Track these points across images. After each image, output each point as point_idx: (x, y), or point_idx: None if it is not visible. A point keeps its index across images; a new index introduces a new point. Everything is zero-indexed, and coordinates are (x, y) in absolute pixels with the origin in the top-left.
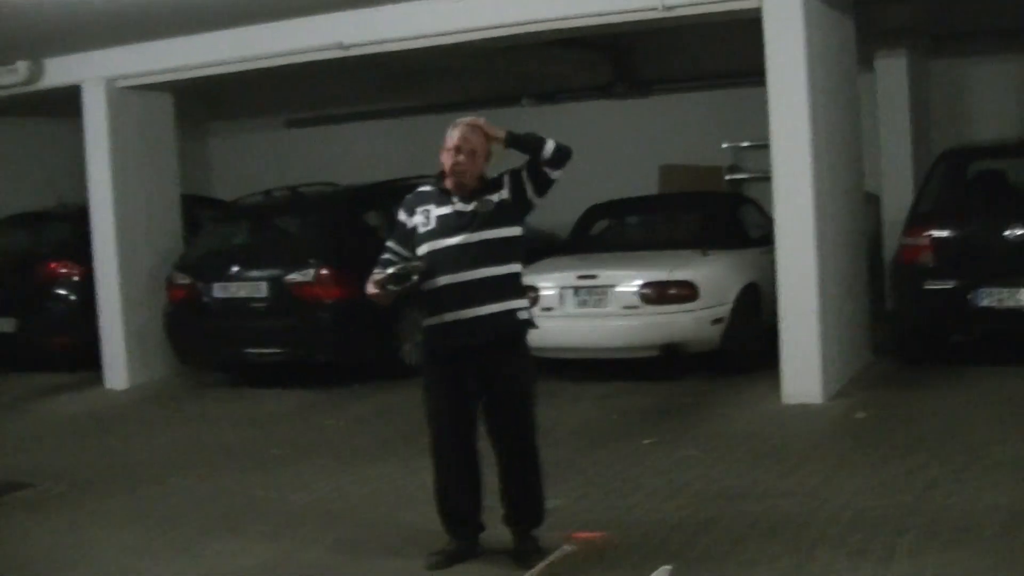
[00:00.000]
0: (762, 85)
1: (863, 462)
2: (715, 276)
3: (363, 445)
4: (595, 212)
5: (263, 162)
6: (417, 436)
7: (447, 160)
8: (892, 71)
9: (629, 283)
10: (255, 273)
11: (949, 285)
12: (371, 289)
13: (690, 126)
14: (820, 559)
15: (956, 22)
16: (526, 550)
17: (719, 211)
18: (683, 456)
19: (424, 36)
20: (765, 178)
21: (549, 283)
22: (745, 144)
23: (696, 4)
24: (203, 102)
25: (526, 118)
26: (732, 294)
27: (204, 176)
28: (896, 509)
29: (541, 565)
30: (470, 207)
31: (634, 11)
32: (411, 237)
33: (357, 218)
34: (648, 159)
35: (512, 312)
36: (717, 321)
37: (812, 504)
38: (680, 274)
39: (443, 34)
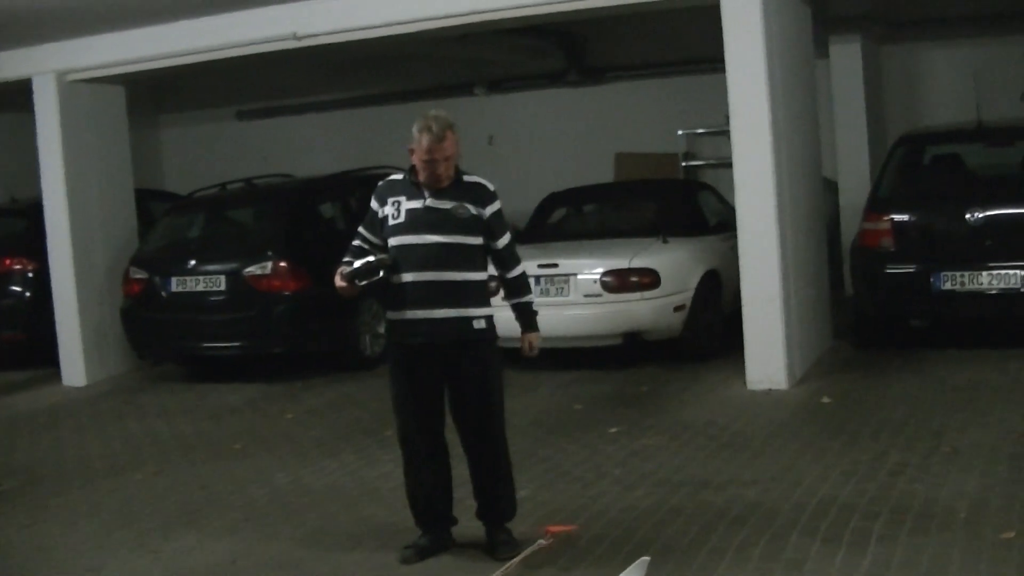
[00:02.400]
0: (715, 72)
1: (829, 448)
2: (676, 263)
3: (322, 437)
4: (553, 200)
5: (215, 154)
6: (377, 427)
7: (420, 164)
8: (847, 57)
9: (590, 271)
10: (212, 267)
11: (910, 269)
12: (339, 282)
13: (645, 114)
14: (791, 546)
15: (908, 9)
16: (501, 542)
17: (678, 198)
18: (647, 444)
19: (378, 26)
20: (721, 165)
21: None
22: (700, 131)
23: None
24: (154, 94)
25: (479, 107)
26: (693, 281)
27: (156, 169)
28: (864, 495)
29: (516, 559)
30: (444, 205)
31: None
32: (381, 226)
33: (313, 210)
34: (603, 147)
35: (468, 320)
36: (679, 308)
37: (780, 491)
38: (641, 262)
39: (397, 23)
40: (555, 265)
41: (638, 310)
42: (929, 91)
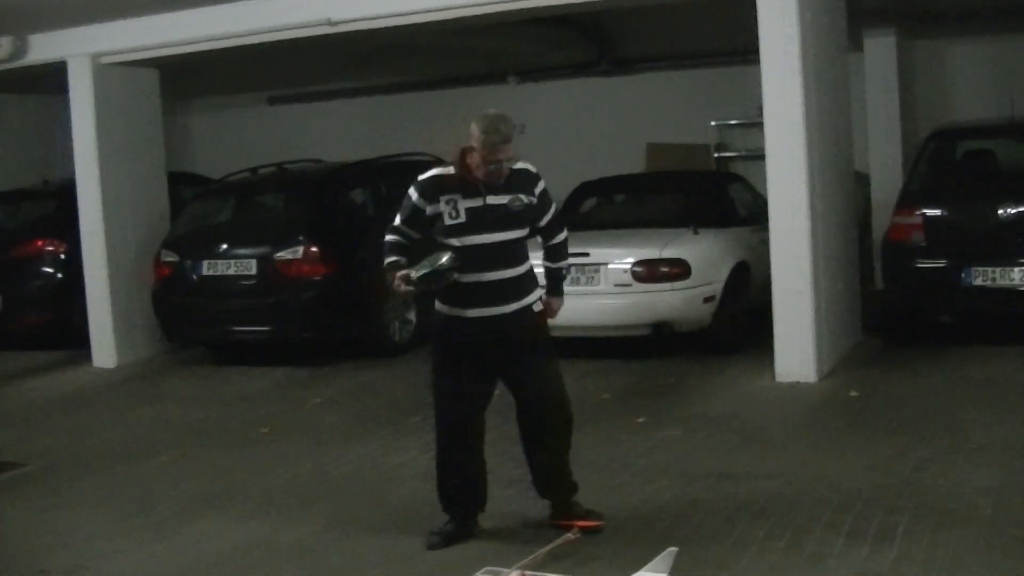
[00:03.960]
0: (748, 63)
1: (854, 442)
2: (706, 254)
3: (346, 424)
4: (585, 190)
5: (246, 139)
6: (399, 415)
7: (481, 163)
8: (880, 50)
9: (620, 261)
10: (242, 251)
11: (940, 264)
12: (402, 287)
13: (677, 104)
14: (813, 540)
15: (941, 3)
16: (575, 515)
17: (709, 189)
18: (672, 435)
19: (413, 12)
20: (753, 156)
21: (538, 261)
22: (733, 122)
23: None
24: (186, 79)
25: (511, 96)
26: (723, 272)
27: (185, 153)
28: (887, 490)
29: (543, 550)
30: (501, 201)
31: None
32: (428, 224)
33: (343, 196)
34: (635, 137)
35: (530, 307)
36: (708, 300)
37: (803, 484)
38: (672, 252)
39: (432, 10)
40: (586, 254)
41: (668, 300)
42: (961, 86)
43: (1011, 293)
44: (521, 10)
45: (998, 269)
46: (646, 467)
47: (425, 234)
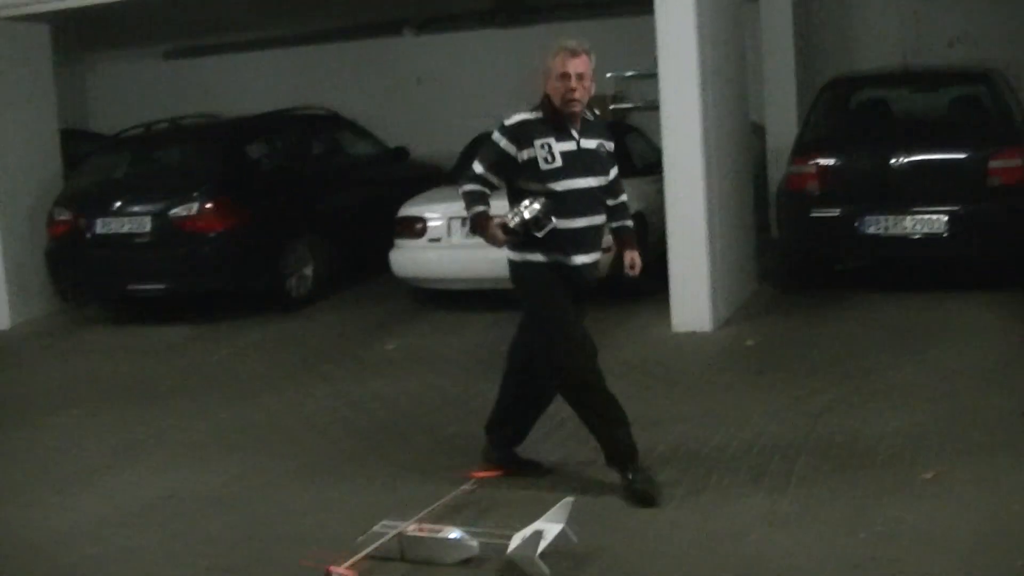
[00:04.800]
0: (645, 15)
1: (754, 389)
2: None
3: (259, 374)
4: (481, 142)
5: (141, 94)
6: (309, 365)
7: (559, 88)
8: (776, 3)
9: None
10: (137, 208)
11: (835, 213)
12: (501, 236)
13: None
14: (716, 485)
15: None
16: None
17: None
18: None
19: None
20: (649, 108)
21: (436, 214)
22: (629, 74)
23: None
24: (80, 33)
25: (408, 48)
26: None
27: (81, 110)
28: (788, 435)
29: (440, 502)
30: (592, 145)
31: None
32: (518, 170)
33: (240, 150)
34: (532, 89)
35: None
36: (605, 250)
37: (705, 430)
38: None
39: None
40: None
41: None
42: (860, 36)
43: (904, 241)
44: None
45: (891, 217)
46: (550, 415)
47: (506, 182)
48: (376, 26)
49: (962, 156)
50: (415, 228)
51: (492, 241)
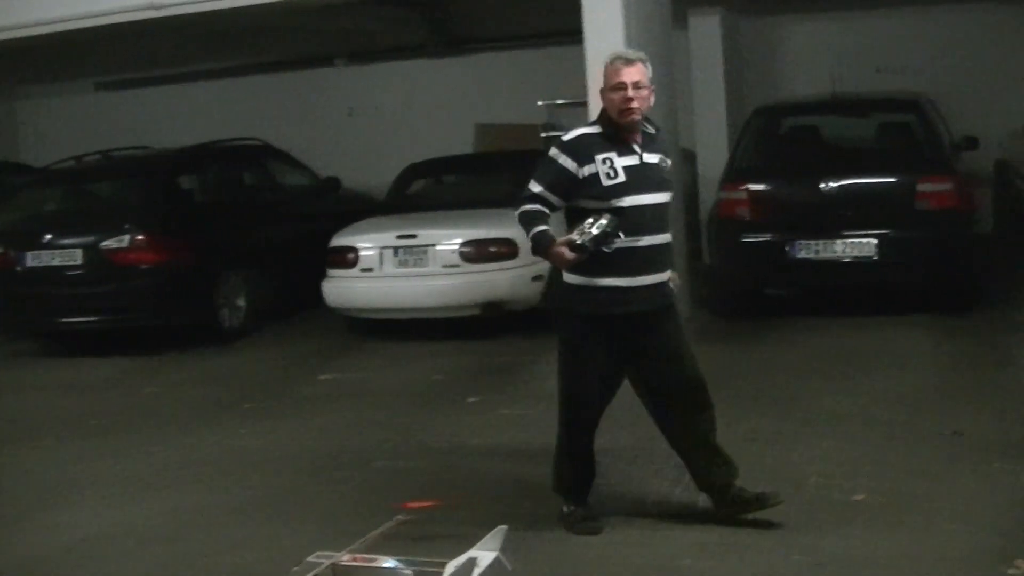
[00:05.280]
0: (577, 43)
1: None
2: None
3: (193, 408)
4: (413, 171)
5: (73, 126)
6: (238, 401)
7: (615, 98)
8: (706, 29)
9: (449, 242)
10: (69, 240)
11: (766, 238)
12: (568, 254)
13: (505, 84)
14: (647, 513)
15: None
16: (756, 496)
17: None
18: (506, 414)
19: None
20: None
21: (368, 244)
22: (560, 102)
23: None
24: (9, 65)
25: (339, 78)
26: None
27: (11, 141)
28: None
29: (374, 533)
30: (654, 160)
31: None
32: (577, 188)
33: (172, 182)
34: (463, 118)
35: (667, 283)
36: (537, 278)
37: (638, 457)
38: (499, 231)
39: None
40: (414, 236)
41: (497, 280)
42: (788, 63)
43: (834, 265)
44: None
45: (821, 242)
46: (480, 446)
47: (566, 201)
48: (308, 57)
49: (891, 181)
50: (347, 258)
51: (558, 261)
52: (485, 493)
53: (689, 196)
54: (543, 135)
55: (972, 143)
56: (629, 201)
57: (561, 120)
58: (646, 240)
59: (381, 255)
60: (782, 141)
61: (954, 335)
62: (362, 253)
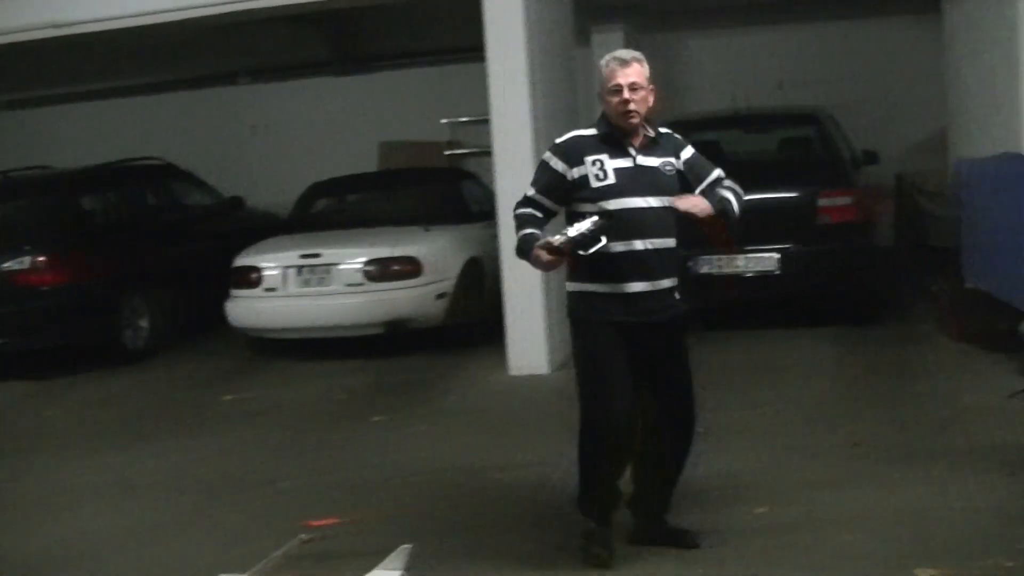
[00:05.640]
0: (480, 60)
1: None
2: (438, 251)
3: (95, 430)
4: (316, 190)
5: None
6: (151, 417)
7: (612, 101)
8: (608, 46)
9: (352, 260)
10: None
11: None
12: (545, 256)
13: (409, 102)
14: (555, 529)
15: None
16: (680, 533)
17: (440, 187)
18: (410, 432)
19: (142, 14)
20: (484, 153)
21: (271, 263)
22: (464, 119)
23: None
24: None
25: (242, 96)
26: (455, 269)
27: None
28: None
29: (276, 554)
30: (652, 163)
31: None
32: (569, 189)
33: (73, 202)
34: (368, 136)
35: (674, 291)
36: (441, 296)
37: (542, 473)
38: (403, 250)
39: (161, 12)
40: (317, 255)
41: (400, 298)
42: (691, 79)
43: (737, 279)
44: (251, 10)
45: (724, 257)
46: (386, 464)
47: (562, 205)
48: (211, 75)
49: (792, 195)
50: (250, 278)
51: (536, 263)
52: (390, 511)
53: None
54: (447, 152)
55: (872, 157)
56: (617, 204)
57: (465, 138)
58: (640, 244)
59: (284, 274)
60: None
61: (856, 346)
62: (265, 272)
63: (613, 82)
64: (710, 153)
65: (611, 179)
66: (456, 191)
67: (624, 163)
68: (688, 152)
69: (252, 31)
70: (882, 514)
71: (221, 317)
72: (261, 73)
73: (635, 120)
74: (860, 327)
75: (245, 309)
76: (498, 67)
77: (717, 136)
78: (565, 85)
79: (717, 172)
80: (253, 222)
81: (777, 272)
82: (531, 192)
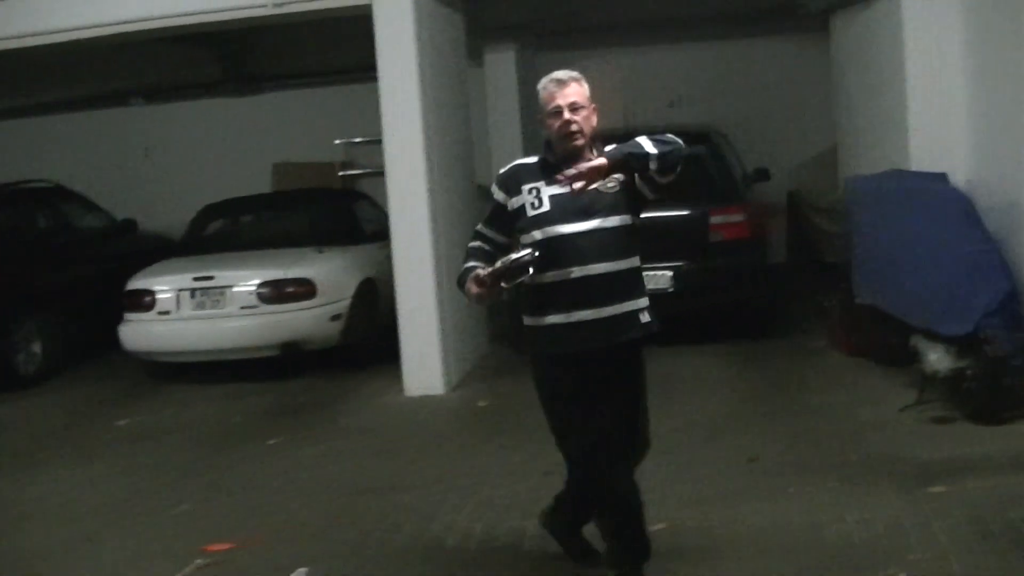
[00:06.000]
0: (373, 80)
1: (485, 450)
2: (332, 273)
3: None
4: (209, 212)
5: None
6: (44, 443)
7: (554, 124)
8: (501, 66)
9: (246, 283)
10: None
11: None
12: (473, 289)
13: (303, 123)
14: (448, 548)
15: (560, 19)
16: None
17: (334, 208)
18: (307, 454)
19: (29, 35)
20: (378, 174)
21: (165, 286)
22: (358, 140)
23: (306, 0)
24: None
25: (136, 118)
26: (350, 290)
27: None
28: (518, 496)
29: None
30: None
31: (244, 8)
32: (510, 220)
33: None
34: (261, 157)
35: (636, 315)
36: (336, 318)
37: (438, 493)
38: (297, 272)
39: (46, 33)
40: (211, 277)
41: (295, 320)
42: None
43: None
44: (141, 31)
45: None
46: (282, 487)
47: (508, 236)
48: (103, 96)
49: (684, 213)
50: (144, 301)
51: (467, 295)
52: (286, 534)
53: None
54: (341, 173)
55: (764, 175)
56: (552, 231)
57: (359, 158)
58: (577, 272)
59: (178, 297)
60: None
61: (750, 362)
62: (159, 296)
63: (552, 104)
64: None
65: (545, 207)
66: (350, 212)
67: (561, 189)
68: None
69: (144, 51)
70: (778, 528)
71: (115, 341)
72: (154, 94)
73: (580, 141)
74: (755, 343)
75: (139, 333)
76: (390, 87)
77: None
78: (458, 104)
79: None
80: (146, 245)
81: (671, 290)
82: (479, 225)
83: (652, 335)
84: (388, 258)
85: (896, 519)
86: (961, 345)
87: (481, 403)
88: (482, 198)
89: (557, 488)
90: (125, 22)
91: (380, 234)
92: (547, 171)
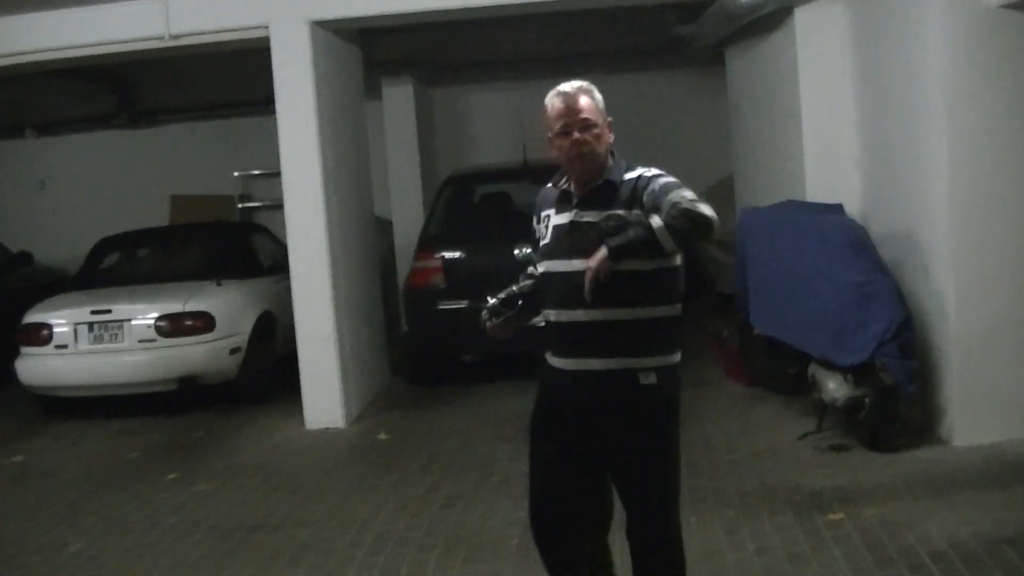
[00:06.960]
0: (271, 113)
1: (384, 484)
2: (230, 306)
3: None
4: (105, 245)
5: None
6: None
7: (563, 145)
8: (398, 98)
9: (144, 316)
10: None
11: (461, 304)
12: (483, 322)
13: (200, 156)
14: None
15: (454, 53)
16: None
17: (232, 241)
18: (202, 490)
19: None
20: (276, 206)
21: (62, 320)
22: (256, 172)
23: (203, 33)
24: None
25: (30, 150)
26: (248, 323)
27: None
28: (418, 528)
29: None
30: (590, 217)
31: (139, 40)
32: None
33: None
34: (158, 190)
35: (632, 375)
36: (234, 351)
37: (335, 529)
38: (195, 305)
39: None
40: (108, 311)
41: (193, 354)
42: (480, 131)
43: (532, 329)
44: (29, 63)
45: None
46: (178, 523)
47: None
48: None
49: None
50: (40, 335)
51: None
52: (180, 572)
53: (386, 265)
54: (239, 206)
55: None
56: (544, 266)
57: (257, 191)
58: (553, 315)
59: (75, 331)
60: (474, 208)
61: None
62: (56, 329)
63: (560, 123)
64: (499, 204)
65: (547, 238)
66: (247, 245)
67: (564, 218)
68: (650, 191)
69: (35, 84)
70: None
71: (10, 376)
72: (48, 127)
73: (587, 167)
74: None
75: (35, 367)
76: (288, 119)
77: (507, 187)
78: (356, 137)
79: (670, 197)
80: (42, 278)
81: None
82: (528, 249)
83: (661, 401)
84: (287, 290)
85: (795, 546)
86: (857, 374)
87: (382, 436)
88: (381, 230)
89: (457, 518)
90: (15, 54)
91: (278, 267)
92: (560, 198)
